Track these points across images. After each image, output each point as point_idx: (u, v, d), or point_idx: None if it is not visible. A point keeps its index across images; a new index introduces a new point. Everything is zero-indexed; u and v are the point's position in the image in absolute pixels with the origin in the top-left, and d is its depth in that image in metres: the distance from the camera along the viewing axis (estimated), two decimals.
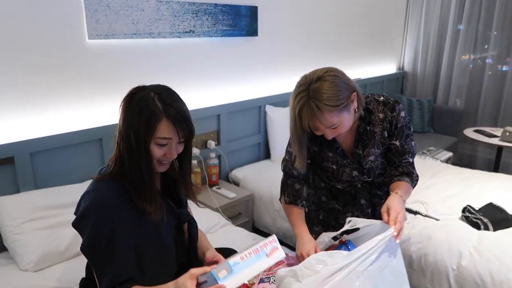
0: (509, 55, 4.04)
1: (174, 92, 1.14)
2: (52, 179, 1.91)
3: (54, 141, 1.88)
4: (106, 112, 2.11)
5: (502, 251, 1.78)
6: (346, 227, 1.40)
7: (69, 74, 1.95)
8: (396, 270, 1.26)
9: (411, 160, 1.52)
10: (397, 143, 1.48)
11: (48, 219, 1.73)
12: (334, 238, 1.49)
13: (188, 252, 1.30)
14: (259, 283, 1.48)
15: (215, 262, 1.29)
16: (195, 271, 1.00)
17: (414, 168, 1.54)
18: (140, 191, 1.11)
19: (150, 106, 1.06)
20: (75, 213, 1.15)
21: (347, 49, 3.85)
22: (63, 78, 1.93)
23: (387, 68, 4.55)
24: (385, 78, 4.38)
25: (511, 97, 4.03)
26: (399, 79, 4.69)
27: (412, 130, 1.50)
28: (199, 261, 1.37)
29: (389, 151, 1.52)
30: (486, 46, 4.16)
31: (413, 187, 1.52)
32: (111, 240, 1.07)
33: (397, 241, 1.22)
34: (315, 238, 1.57)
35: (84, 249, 1.10)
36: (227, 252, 1.61)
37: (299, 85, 1.32)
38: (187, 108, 1.14)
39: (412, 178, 1.51)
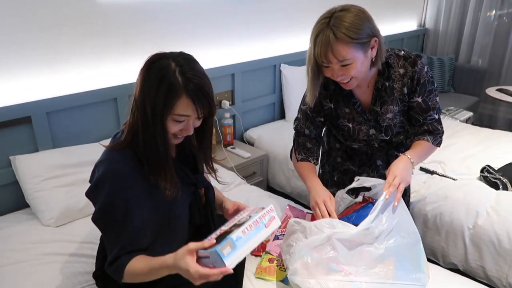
0: None
1: (197, 64, 1.07)
2: (68, 138, 1.94)
3: (69, 100, 1.89)
4: (121, 71, 2.09)
5: None
6: (354, 184, 1.39)
7: (84, 33, 1.92)
8: (405, 229, 1.26)
9: (436, 116, 1.43)
10: (420, 99, 1.39)
11: (66, 177, 1.77)
12: (352, 192, 1.48)
13: (206, 216, 1.30)
14: (274, 239, 1.51)
15: (237, 211, 1.27)
16: (193, 245, 0.94)
17: (440, 124, 1.45)
18: (155, 164, 1.07)
19: (170, 79, 0.99)
20: (90, 181, 1.13)
21: (367, 4, 3.69)
22: (78, 37, 1.90)
23: (408, 25, 4.36)
24: (405, 35, 4.21)
25: None
26: (420, 36, 4.51)
27: (435, 85, 1.41)
28: (216, 224, 1.37)
29: (412, 109, 1.43)
30: None
31: (437, 145, 1.45)
32: (124, 212, 1.06)
33: (395, 203, 1.22)
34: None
35: (96, 220, 1.09)
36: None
37: (323, 13, 1.25)
38: (209, 83, 1.06)
39: (436, 136, 1.44)
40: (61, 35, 1.85)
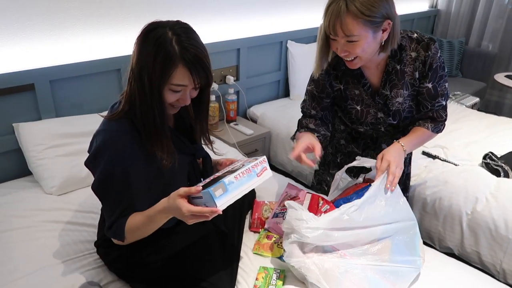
0: None
1: (194, 33, 1.05)
2: (71, 107, 1.94)
3: (73, 69, 1.87)
4: (124, 41, 2.07)
5: None
6: (354, 163, 1.39)
7: (90, 1, 1.88)
8: (401, 213, 1.28)
9: (444, 103, 1.40)
10: (430, 85, 1.35)
11: (69, 146, 1.78)
12: (350, 172, 1.49)
13: None
14: (272, 217, 1.52)
15: (231, 162, 1.30)
16: (182, 190, 0.98)
17: (445, 111, 1.43)
18: (152, 134, 1.08)
19: (166, 48, 0.98)
20: (88, 151, 1.15)
21: None
22: (83, 4, 1.87)
23: (419, 5, 4.26)
24: (416, 16, 4.12)
25: None
26: (431, 17, 4.41)
27: (446, 70, 1.37)
28: None
29: (420, 95, 1.39)
30: None
31: (437, 132, 1.43)
32: (123, 180, 1.08)
33: (392, 188, 1.23)
34: (330, 179, 1.57)
35: (95, 188, 1.11)
36: None
37: None
38: (206, 53, 1.04)
39: (438, 123, 1.42)
40: (67, 2, 1.81)
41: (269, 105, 2.84)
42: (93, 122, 1.85)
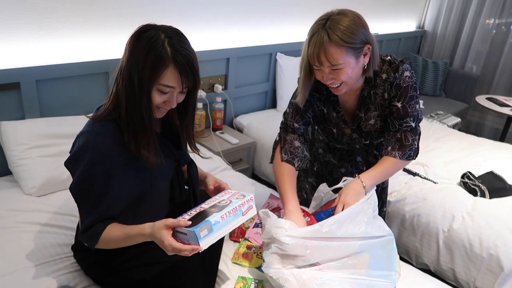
0: None
1: (185, 38, 1.07)
2: (57, 108, 1.92)
3: (60, 70, 1.86)
4: (113, 45, 2.07)
5: (495, 218, 1.81)
6: (341, 184, 1.42)
7: (80, 3, 1.88)
8: (379, 229, 1.31)
9: (413, 124, 1.39)
10: (399, 104, 1.36)
11: (52, 147, 1.76)
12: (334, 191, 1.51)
13: (189, 193, 1.32)
14: (253, 227, 1.53)
15: (218, 189, 1.31)
16: (170, 222, 1.00)
17: (415, 135, 1.41)
18: (138, 133, 1.07)
19: (158, 49, 1.00)
20: (70, 152, 1.14)
21: (366, 1, 3.68)
22: (74, 6, 1.87)
23: (407, 25, 4.37)
24: (403, 35, 4.23)
25: None
26: (418, 38, 4.53)
27: (418, 93, 1.38)
28: (198, 201, 1.39)
29: (390, 114, 1.41)
30: None
31: (407, 159, 1.40)
32: (103, 184, 1.07)
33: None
34: (309, 190, 1.60)
35: (73, 190, 1.09)
36: None
37: (321, 16, 1.26)
38: (195, 57, 1.06)
39: (405, 149, 1.39)
40: (56, 2, 1.81)
41: (256, 115, 2.86)
42: (78, 123, 1.83)
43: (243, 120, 2.79)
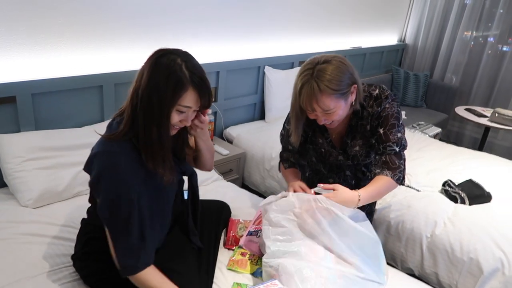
0: (511, 35, 4.05)
1: (196, 60, 1.15)
2: (52, 122, 1.96)
3: (55, 84, 1.90)
4: (107, 59, 2.12)
5: (474, 224, 1.91)
6: (315, 189, 1.50)
7: (75, 18, 1.94)
8: (366, 235, 1.40)
9: (396, 149, 1.48)
10: (381, 131, 1.48)
11: (48, 160, 1.79)
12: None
13: (187, 203, 1.39)
14: (247, 235, 1.59)
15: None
16: None
17: (400, 160, 1.49)
18: (154, 153, 1.13)
19: (177, 73, 1.07)
20: (85, 169, 1.17)
21: (350, 16, 3.82)
22: (69, 21, 1.92)
23: (389, 39, 4.54)
24: (386, 49, 4.38)
25: (506, 78, 4.08)
26: (399, 51, 4.70)
27: (400, 122, 1.49)
28: (199, 208, 1.47)
29: (376, 141, 1.52)
30: (490, 24, 4.15)
31: (397, 181, 1.48)
32: (127, 204, 1.11)
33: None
34: None
35: (101, 213, 1.13)
36: (220, 205, 1.72)
37: (306, 63, 1.36)
38: (207, 78, 1.15)
39: (395, 171, 1.47)
40: (52, 18, 1.86)
41: (245, 126, 2.93)
42: (72, 136, 1.90)
43: (232, 131, 2.86)
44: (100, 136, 1.17)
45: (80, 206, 1.76)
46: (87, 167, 1.17)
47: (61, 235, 1.56)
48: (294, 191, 1.51)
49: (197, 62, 1.14)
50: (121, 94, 2.18)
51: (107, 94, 2.11)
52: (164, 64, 1.08)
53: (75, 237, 1.53)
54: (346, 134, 1.57)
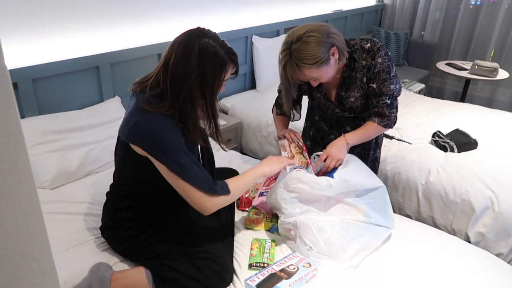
0: None
1: (219, 36, 1.27)
2: (54, 106, 1.98)
3: (54, 68, 1.92)
4: (102, 39, 2.13)
5: (464, 169, 2.06)
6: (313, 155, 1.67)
7: (68, 1, 1.93)
8: (372, 184, 1.53)
9: (388, 101, 1.61)
10: (374, 85, 1.59)
11: (56, 143, 1.83)
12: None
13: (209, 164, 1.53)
14: (259, 196, 1.69)
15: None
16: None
17: (392, 109, 1.63)
18: (198, 127, 1.29)
19: (218, 55, 1.21)
20: (127, 139, 1.24)
21: None
22: (60, 4, 1.92)
23: (367, 0, 4.58)
24: (365, 10, 4.44)
25: (482, 31, 4.21)
26: (378, 11, 4.76)
27: (392, 74, 1.58)
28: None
29: (369, 93, 1.63)
30: None
31: (385, 126, 1.65)
32: (184, 151, 1.22)
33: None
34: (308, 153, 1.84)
35: (173, 168, 1.20)
36: (229, 172, 1.81)
37: (284, 43, 1.47)
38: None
39: (384, 118, 1.63)
40: (46, 2, 1.86)
41: (238, 97, 2.99)
42: (75, 118, 1.95)
43: (227, 102, 2.92)
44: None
45: (94, 183, 1.83)
46: (131, 139, 1.23)
47: (82, 211, 1.63)
48: (284, 137, 1.72)
49: (221, 39, 1.26)
50: (117, 74, 2.21)
51: (104, 75, 2.14)
52: (204, 50, 1.20)
53: (96, 212, 1.62)
54: (339, 86, 1.66)
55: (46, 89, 1.94)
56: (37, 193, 0.57)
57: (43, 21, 1.88)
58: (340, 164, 1.60)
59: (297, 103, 1.83)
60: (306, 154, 1.68)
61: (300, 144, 1.71)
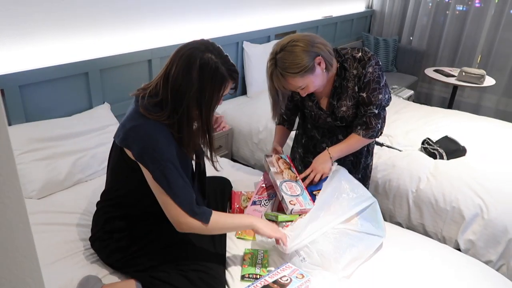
0: None
1: (222, 51, 1.27)
2: (41, 113, 1.95)
3: (41, 74, 1.89)
4: (91, 45, 2.10)
5: (453, 176, 2.08)
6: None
7: (57, 5, 1.90)
8: (363, 196, 1.54)
9: (376, 111, 1.62)
10: (364, 94, 1.60)
11: (43, 151, 1.80)
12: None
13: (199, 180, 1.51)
14: (251, 204, 1.68)
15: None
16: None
17: (378, 120, 1.64)
18: (191, 140, 1.28)
19: (219, 73, 1.21)
20: (121, 143, 1.23)
21: None
22: (47, 10, 1.88)
23: (357, 6, 4.62)
24: (355, 16, 4.47)
25: (469, 38, 4.27)
26: (368, 17, 4.80)
27: (382, 84, 1.59)
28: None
29: (358, 102, 1.64)
30: None
31: (370, 138, 1.66)
32: (174, 165, 1.22)
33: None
34: (298, 160, 1.92)
35: (159, 179, 1.20)
36: (221, 181, 1.80)
37: (270, 53, 1.49)
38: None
39: (369, 130, 1.64)
40: (32, 7, 1.82)
41: (229, 103, 2.98)
42: (64, 126, 1.91)
43: (218, 109, 2.88)
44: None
45: (83, 192, 1.79)
46: (124, 143, 1.23)
47: (71, 222, 1.60)
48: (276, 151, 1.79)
49: (224, 54, 1.26)
50: (107, 80, 2.18)
51: (93, 81, 2.11)
52: (205, 65, 1.20)
53: (85, 222, 1.59)
54: (331, 96, 1.68)
55: (33, 96, 1.90)
56: (27, 216, 0.56)
57: (31, 27, 1.85)
58: (327, 177, 1.61)
59: (293, 114, 1.86)
60: (294, 169, 1.70)
61: (288, 160, 1.74)
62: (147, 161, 1.20)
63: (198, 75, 1.20)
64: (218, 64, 1.21)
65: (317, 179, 1.61)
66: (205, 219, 1.25)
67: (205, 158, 1.45)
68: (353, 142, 1.68)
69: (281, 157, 1.74)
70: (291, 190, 1.58)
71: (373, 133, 1.66)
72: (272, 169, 1.65)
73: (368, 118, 1.64)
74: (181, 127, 1.24)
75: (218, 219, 1.28)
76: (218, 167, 1.42)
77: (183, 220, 1.23)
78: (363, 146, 1.76)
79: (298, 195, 1.56)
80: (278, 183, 1.58)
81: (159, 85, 1.24)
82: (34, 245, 0.57)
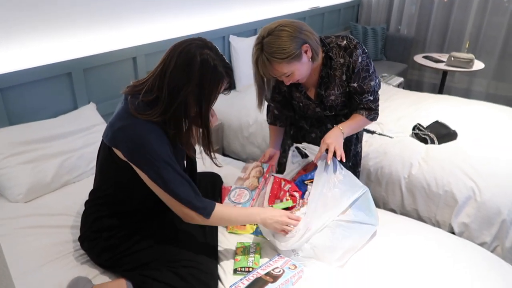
0: None
1: (218, 50, 1.26)
2: (25, 115, 1.91)
3: (23, 76, 1.85)
4: (73, 44, 2.06)
5: (445, 160, 2.07)
6: (299, 145, 1.68)
7: (34, 6, 1.86)
8: (354, 185, 1.51)
9: (371, 98, 1.64)
10: (355, 84, 1.60)
11: (29, 153, 1.76)
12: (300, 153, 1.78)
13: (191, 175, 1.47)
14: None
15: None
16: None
17: (376, 103, 1.67)
18: (187, 137, 1.28)
19: (218, 70, 1.21)
20: (111, 143, 1.22)
21: None
22: (28, 11, 1.84)
23: None
24: (342, 6, 4.45)
25: (456, 23, 4.27)
26: (355, 7, 4.78)
27: (371, 71, 1.59)
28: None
29: (351, 92, 1.64)
30: None
31: (371, 119, 1.68)
32: (169, 161, 1.21)
33: (328, 161, 1.48)
34: (288, 149, 1.85)
35: (156, 179, 1.20)
36: (211, 176, 1.78)
37: (256, 38, 1.45)
38: None
39: (371, 112, 1.66)
40: (12, 7, 1.78)
41: (218, 97, 2.94)
42: (48, 127, 1.88)
43: None
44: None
45: (70, 194, 1.76)
46: (113, 142, 1.22)
47: (59, 224, 1.57)
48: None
49: (220, 52, 1.26)
50: (91, 79, 2.14)
51: (77, 81, 2.07)
52: (205, 62, 1.18)
53: (73, 224, 1.57)
54: (318, 85, 1.65)
55: (16, 98, 1.86)
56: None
57: (10, 28, 1.81)
58: (316, 168, 1.58)
59: (284, 108, 1.81)
60: (261, 179, 1.71)
61: (264, 170, 1.75)
62: (139, 162, 1.20)
63: (199, 71, 1.18)
64: (217, 61, 1.21)
65: (337, 152, 1.49)
66: (206, 214, 1.27)
67: (197, 155, 1.43)
68: (359, 120, 1.67)
69: (261, 166, 1.76)
70: (237, 197, 1.64)
71: (375, 114, 1.69)
72: (240, 174, 1.75)
73: (366, 104, 1.65)
74: (176, 124, 1.23)
75: (222, 213, 1.31)
76: (218, 162, 1.44)
77: (186, 214, 1.26)
78: (364, 127, 1.78)
79: (239, 202, 1.62)
80: (232, 187, 1.69)
81: (155, 82, 1.22)
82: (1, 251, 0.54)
